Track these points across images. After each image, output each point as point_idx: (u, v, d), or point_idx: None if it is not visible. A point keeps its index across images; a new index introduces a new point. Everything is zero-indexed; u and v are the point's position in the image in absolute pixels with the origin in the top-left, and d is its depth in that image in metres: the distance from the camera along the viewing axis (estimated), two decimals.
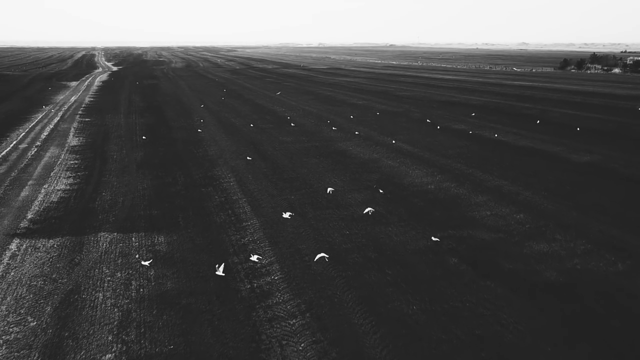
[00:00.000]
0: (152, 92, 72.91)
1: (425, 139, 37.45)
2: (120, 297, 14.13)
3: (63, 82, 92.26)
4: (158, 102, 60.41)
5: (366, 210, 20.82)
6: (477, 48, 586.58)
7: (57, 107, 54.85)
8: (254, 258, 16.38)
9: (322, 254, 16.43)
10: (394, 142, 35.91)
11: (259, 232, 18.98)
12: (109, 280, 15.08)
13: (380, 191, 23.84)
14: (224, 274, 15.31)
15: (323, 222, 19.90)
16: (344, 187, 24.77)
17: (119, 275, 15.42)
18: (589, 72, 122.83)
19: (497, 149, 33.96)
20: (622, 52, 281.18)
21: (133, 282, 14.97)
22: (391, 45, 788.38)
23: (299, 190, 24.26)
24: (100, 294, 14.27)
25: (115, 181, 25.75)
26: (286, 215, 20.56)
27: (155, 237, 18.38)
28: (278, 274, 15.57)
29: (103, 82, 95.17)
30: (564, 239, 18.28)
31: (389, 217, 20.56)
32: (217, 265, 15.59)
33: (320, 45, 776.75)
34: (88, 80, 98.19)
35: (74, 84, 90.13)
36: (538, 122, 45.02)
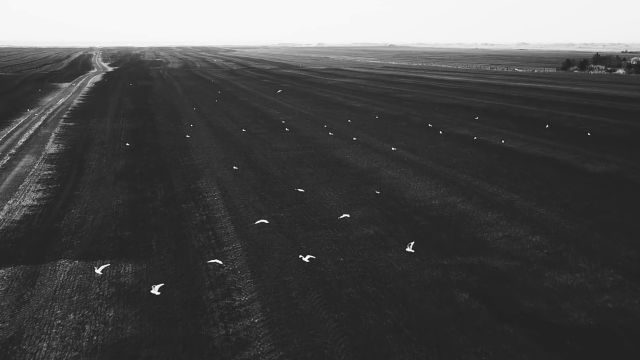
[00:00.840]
0: (144, 94, 70.62)
1: (427, 145, 35.15)
2: (68, 348, 11.83)
3: (55, 84, 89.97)
4: (149, 105, 58.11)
5: (342, 217, 19.69)
6: (476, 48, 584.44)
7: (42, 111, 52.53)
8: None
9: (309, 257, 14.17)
10: (394, 149, 33.63)
11: (241, 259, 16.68)
12: (58, 325, 12.78)
13: (377, 192, 21.57)
14: (159, 293, 13.67)
15: (314, 246, 17.60)
16: (339, 202, 22.47)
17: (72, 317, 13.12)
18: (592, 72, 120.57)
19: (504, 157, 31.66)
20: (622, 52, 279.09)
21: (87, 327, 12.67)
22: (390, 45, 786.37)
23: (289, 206, 21.96)
24: (45, 344, 11.96)
25: (89, 195, 23.45)
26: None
27: (122, 267, 16.08)
28: (259, 314, 13.27)
29: (95, 83, 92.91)
30: (589, 267, 15.99)
31: (389, 239, 18.27)
32: (153, 286, 14.21)
33: (320, 46, 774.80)
34: (81, 82, 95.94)
35: (65, 85, 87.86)
36: (547, 126, 42.71)
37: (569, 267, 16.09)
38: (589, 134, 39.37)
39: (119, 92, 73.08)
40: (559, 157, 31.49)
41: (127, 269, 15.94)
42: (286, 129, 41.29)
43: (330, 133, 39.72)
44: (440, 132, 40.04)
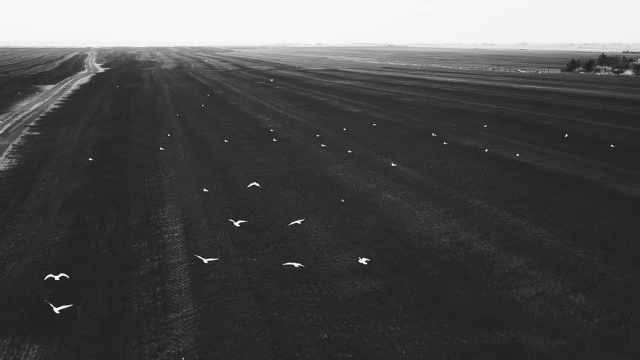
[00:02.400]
0: (128, 98, 66.34)
1: (431, 160, 30.89)
2: None
3: (38, 86, 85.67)
4: (129, 111, 53.83)
5: (296, 222, 16.33)
6: (476, 48, 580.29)
7: (10, 117, 48.20)
8: None
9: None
10: (394, 165, 29.36)
11: (191, 334, 12.41)
12: None
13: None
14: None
15: (289, 313, 13.34)
16: (327, 240, 18.22)
17: None
18: (598, 74, 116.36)
19: (522, 175, 27.39)
20: (624, 52, 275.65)
21: None
22: (389, 45, 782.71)
23: (265, 247, 17.69)
24: None
25: (21, 231, 19.16)
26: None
27: (25, 347, 11.81)
28: None
29: (81, 85, 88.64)
30: None
31: (390, 300, 14.01)
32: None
33: (318, 45, 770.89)
34: (66, 84, 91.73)
35: (48, 87, 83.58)
36: (566, 136, 38.47)
37: (634, 349, 11.83)
38: (612, 145, 35.11)
39: (102, 96, 68.81)
40: (584, 176, 27.21)
41: (31, 351, 11.66)
42: (274, 140, 36.99)
43: (322, 145, 35.45)
44: (446, 143, 35.76)
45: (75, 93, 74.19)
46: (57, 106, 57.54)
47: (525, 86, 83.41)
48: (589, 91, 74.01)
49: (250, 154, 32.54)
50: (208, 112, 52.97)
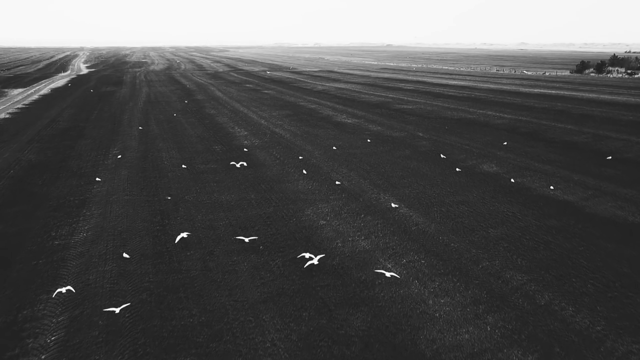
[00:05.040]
0: (95, 105, 59.04)
1: (444, 197, 23.66)
2: None
3: (6, 90, 78.58)
4: (87, 122, 46.55)
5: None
6: (475, 48, 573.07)
7: None
8: None
9: None
10: (395, 205, 22.15)
11: None
12: None
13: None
14: None
15: None
16: None
17: None
18: (610, 76, 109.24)
19: (568, 224, 20.18)
20: (626, 52, 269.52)
21: None
22: (388, 45, 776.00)
23: None
24: None
25: None
26: None
27: None
28: None
29: (53, 89, 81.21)
30: None
31: None
32: None
33: (316, 45, 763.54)
34: (38, 87, 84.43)
35: (16, 92, 76.21)
36: (609, 158, 31.34)
37: None
38: None
39: (68, 102, 61.47)
40: None
41: None
42: (244, 164, 29.72)
43: (305, 170, 28.25)
44: (459, 170, 28.56)
45: (41, 99, 66.81)
46: (8, 115, 50.21)
47: (536, 90, 76.23)
48: (609, 96, 66.84)
49: (210, 187, 25.28)
50: (178, 123, 45.70)
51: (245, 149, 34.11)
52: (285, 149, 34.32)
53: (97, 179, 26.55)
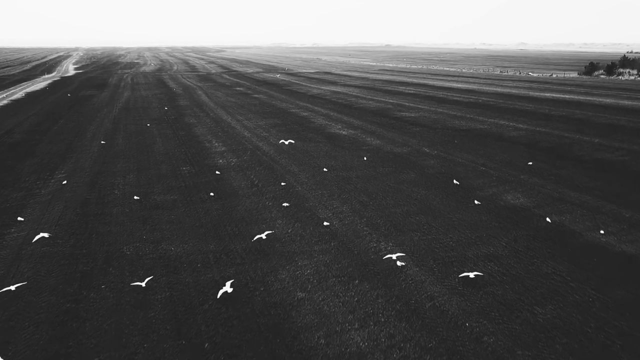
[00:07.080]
0: (64, 113, 53.35)
1: (465, 250, 17.96)
2: None
3: None
4: (46, 134, 40.86)
5: None
6: (475, 48, 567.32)
7: None
8: None
9: None
10: (401, 263, 16.46)
11: None
12: None
13: None
14: None
15: None
16: None
17: None
18: (622, 78, 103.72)
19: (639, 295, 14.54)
20: (627, 52, 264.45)
21: None
22: (387, 45, 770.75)
23: None
24: None
25: None
26: None
27: None
28: None
29: (28, 94, 75.53)
30: None
31: None
32: None
33: (314, 46, 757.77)
34: (13, 90, 79.00)
35: None
36: None
37: None
38: None
39: (36, 110, 55.75)
40: None
41: None
42: (211, 194, 24.04)
43: (285, 203, 22.58)
44: (478, 203, 22.87)
45: (9, 105, 61.10)
46: None
47: (547, 94, 70.64)
48: (629, 102, 61.26)
49: (160, 230, 19.56)
50: (149, 135, 40.03)
51: (217, 172, 28.42)
52: (266, 171, 28.65)
53: (20, 218, 20.83)
